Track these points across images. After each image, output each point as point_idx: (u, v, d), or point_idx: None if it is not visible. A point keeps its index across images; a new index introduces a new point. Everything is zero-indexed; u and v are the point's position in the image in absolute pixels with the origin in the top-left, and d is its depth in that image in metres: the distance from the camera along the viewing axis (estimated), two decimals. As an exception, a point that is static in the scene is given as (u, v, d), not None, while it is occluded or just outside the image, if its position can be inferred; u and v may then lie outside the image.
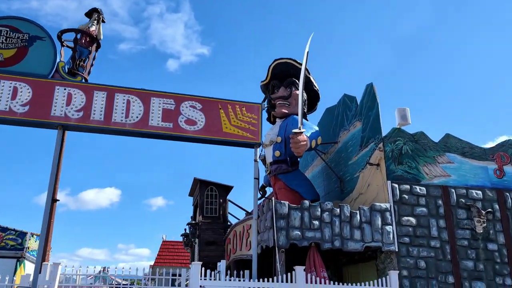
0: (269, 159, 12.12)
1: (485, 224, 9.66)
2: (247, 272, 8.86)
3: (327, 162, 12.61)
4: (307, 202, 9.15)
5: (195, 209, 15.47)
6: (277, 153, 11.76)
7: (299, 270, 8.45)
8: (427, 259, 9.25)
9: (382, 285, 8.65)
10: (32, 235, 20.43)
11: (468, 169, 10.20)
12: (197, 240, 13.58)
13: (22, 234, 20.05)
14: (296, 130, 9.73)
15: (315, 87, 12.55)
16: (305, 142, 9.89)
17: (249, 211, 15.53)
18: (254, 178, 9.48)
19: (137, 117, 8.93)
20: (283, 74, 12.44)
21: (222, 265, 8.77)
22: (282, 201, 9.08)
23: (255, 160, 9.51)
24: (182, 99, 9.30)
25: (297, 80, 12.31)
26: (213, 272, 8.34)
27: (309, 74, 12.43)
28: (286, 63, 12.32)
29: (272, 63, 12.43)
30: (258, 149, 9.53)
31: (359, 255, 10.20)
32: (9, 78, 8.58)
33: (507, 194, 10.14)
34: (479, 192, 10.00)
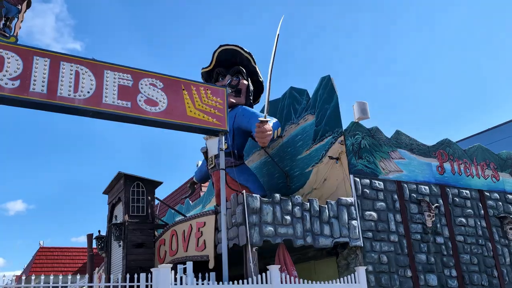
0: (214, 152, 11.19)
1: (433, 218, 10.00)
2: (212, 274, 7.87)
3: (269, 157, 12.10)
4: (277, 196, 8.49)
5: (112, 208, 13.76)
6: (224, 145, 10.93)
7: (274, 270, 7.76)
8: (388, 254, 9.24)
9: (350, 282, 8.37)
10: None
11: (416, 165, 10.51)
12: (121, 243, 11.98)
13: None
14: (262, 119, 9.04)
15: (260, 78, 12.00)
16: (271, 132, 9.25)
17: (180, 212, 14.33)
18: (221, 169, 8.55)
19: (88, 92, 7.40)
20: (228, 62, 11.69)
21: (189, 267, 7.65)
22: (253, 195, 8.29)
23: (221, 149, 8.59)
24: (141, 75, 7.99)
25: (243, 69, 11.65)
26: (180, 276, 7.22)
27: (255, 64, 11.84)
28: (232, 50, 11.60)
29: (217, 49, 11.60)
30: (223, 137, 8.61)
31: (314, 252, 9.84)
32: None
33: (448, 189, 10.66)
34: (427, 187, 10.35)
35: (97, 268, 17.13)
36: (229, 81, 10.47)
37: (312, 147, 10.56)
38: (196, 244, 9.47)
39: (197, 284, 7.24)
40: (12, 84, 6.85)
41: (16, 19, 7.91)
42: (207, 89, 8.53)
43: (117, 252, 12.75)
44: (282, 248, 8.41)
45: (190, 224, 9.87)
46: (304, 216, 8.53)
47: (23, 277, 6.68)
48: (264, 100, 12.38)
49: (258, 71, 11.82)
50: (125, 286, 7.35)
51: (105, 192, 14.36)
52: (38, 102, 7.00)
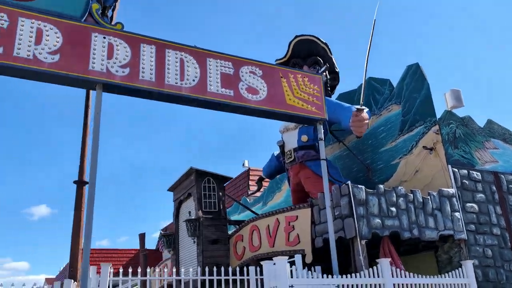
0: (293, 145, 10.90)
1: (534, 211, 9.48)
2: (318, 267, 7.53)
3: (344, 150, 11.73)
4: (382, 187, 8.13)
5: (179, 205, 13.59)
6: (304, 137, 10.61)
7: (385, 263, 7.39)
8: (492, 247, 8.77)
9: (458, 276, 7.95)
10: None
11: (510, 155, 10.00)
12: (195, 239, 11.76)
13: None
14: (359, 107, 8.68)
15: (336, 68, 11.65)
16: (367, 121, 8.88)
17: (250, 208, 14.04)
18: (322, 160, 8.21)
19: (193, 80, 7.17)
20: (304, 53, 11.37)
21: (298, 260, 7.33)
22: (358, 186, 7.93)
23: (320, 139, 8.25)
24: (241, 63, 7.73)
25: (321, 60, 11.32)
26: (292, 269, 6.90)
27: (331, 54, 11.50)
28: (308, 40, 11.28)
29: (293, 39, 11.30)
30: (321, 126, 8.28)
31: (409, 246, 9.41)
32: (30, 16, 6.32)
33: (544, 181, 10.12)
34: (524, 178, 9.84)
35: (152, 268, 16.96)
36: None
37: (399, 138, 10.15)
38: (287, 238, 9.16)
39: (313, 277, 6.90)
40: (123, 72, 6.66)
41: (112, 7, 7.77)
42: (304, 77, 8.22)
43: (187, 248, 12.55)
44: (387, 241, 8.03)
45: (277, 219, 9.57)
46: (408, 207, 8.13)
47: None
48: (337, 92, 12.05)
49: (334, 62, 11.47)
50: (235, 279, 7.07)
51: (170, 189, 14.20)
52: (148, 90, 6.79)
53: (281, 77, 7.98)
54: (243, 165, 23.37)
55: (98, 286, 5.96)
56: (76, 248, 6.92)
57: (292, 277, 6.72)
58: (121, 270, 6.46)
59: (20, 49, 6.07)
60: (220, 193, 12.33)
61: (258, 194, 15.21)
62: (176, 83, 7.00)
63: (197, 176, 12.34)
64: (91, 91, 7.91)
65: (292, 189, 11.40)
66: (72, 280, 5.88)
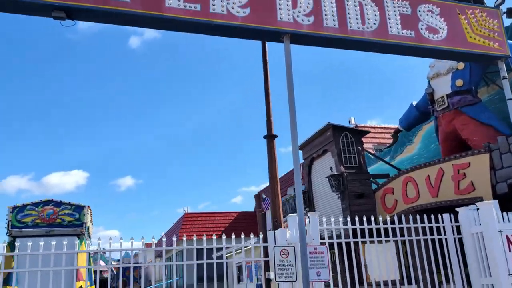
0: (445, 91, 10.30)
1: None
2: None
3: (495, 94, 10.89)
4: None
5: (310, 162, 13.56)
6: (459, 82, 9.95)
7: None
8: None
9: None
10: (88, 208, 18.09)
11: None
12: (340, 195, 11.69)
13: (79, 208, 17.61)
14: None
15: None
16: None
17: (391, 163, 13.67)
18: (508, 99, 7.62)
19: (374, 23, 6.83)
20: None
21: (496, 205, 6.95)
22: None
23: (504, 77, 7.63)
24: (418, 1, 7.25)
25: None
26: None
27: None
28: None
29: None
30: (503, 64, 7.64)
31: None
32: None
33: None
34: None
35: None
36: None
37: None
38: (456, 187, 8.75)
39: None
40: (308, 21, 6.47)
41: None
42: (482, 12, 7.58)
43: (328, 204, 12.55)
44: None
45: (440, 168, 9.16)
46: None
47: (174, 239, 6.40)
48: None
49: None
50: (431, 227, 6.84)
51: (300, 148, 14.17)
52: (333, 38, 6.57)
53: (459, 13, 7.41)
54: (349, 122, 22.96)
55: (309, 233, 6.00)
56: (277, 199, 7.04)
57: (499, 222, 6.38)
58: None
59: (215, 5, 6.06)
60: (359, 148, 12.10)
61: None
62: (358, 28, 6.71)
63: (334, 132, 12.17)
64: (266, 45, 7.84)
65: (442, 139, 10.85)
66: (286, 228, 5.97)
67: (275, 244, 5.87)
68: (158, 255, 41.03)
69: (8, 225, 16.20)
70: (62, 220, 17.35)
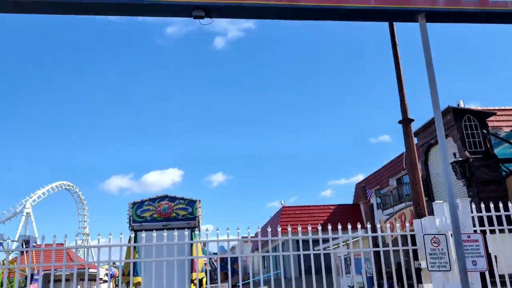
0: None
1: None
2: None
3: None
4: None
5: (427, 149, 12.91)
6: None
7: None
8: None
9: None
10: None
11: None
12: (466, 182, 11.00)
13: (192, 202, 18.45)
14: None
15: None
16: None
17: None
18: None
19: (517, -7, 6.27)
20: None
21: None
22: None
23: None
24: None
25: None
26: None
27: None
28: None
29: None
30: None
31: None
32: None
33: None
34: None
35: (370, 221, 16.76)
36: None
37: None
38: None
39: None
40: (444, -4, 6.09)
41: None
42: None
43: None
44: None
45: None
46: None
47: (279, 229, 6.07)
48: None
49: None
50: None
51: (415, 134, 13.57)
52: (473, 12, 6.12)
53: None
54: (457, 105, 21.57)
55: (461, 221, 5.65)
56: (418, 187, 6.78)
57: None
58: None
59: (345, -12, 5.91)
60: (484, 131, 11.29)
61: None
62: (503, -1, 6.19)
63: (455, 115, 11.49)
64: (394, 27, 7.55)
65: None
66: (434, 216, 5.68)
67: (422, 232, 5.62)
68: (256, 248, 41.98)
69: (129, 220, 17.41)
70: (177, 214, 18.30)
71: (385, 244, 6.39)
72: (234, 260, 36.73)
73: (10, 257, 6.54)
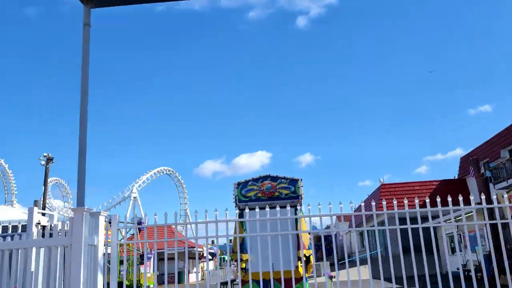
0: None
1: None
2: None
3: None
4: None
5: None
6: None
7: None
8: None
9: None
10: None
11: None
12: None
13: (293, 182, 18.23)
14: None
15: None
16: None
17: None
18: None
19: None
20: None
21: None
22: None
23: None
24: None
25: None
26: None
27: None
28: None
29: None
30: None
31: None
32: None
33: None
34: None
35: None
36: None
37: None
38: None
39: None
40: None
41: None
42: None
43: None
44: None
45: None
46: None
47: (384, 202, 5.23)
48: None
49: None
50: None
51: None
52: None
53: None
54: None
55: None
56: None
57: None
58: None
59: None
60: None
61: None
62: None
63: None
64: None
65: None
66: None
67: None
68: (358, 224, 40.97)
69: (235, 200, 17.59)
70: (280, 193, 18.21)
71: (503, 219, 5.54)
72: (328, 240, 36.01)
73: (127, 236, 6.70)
